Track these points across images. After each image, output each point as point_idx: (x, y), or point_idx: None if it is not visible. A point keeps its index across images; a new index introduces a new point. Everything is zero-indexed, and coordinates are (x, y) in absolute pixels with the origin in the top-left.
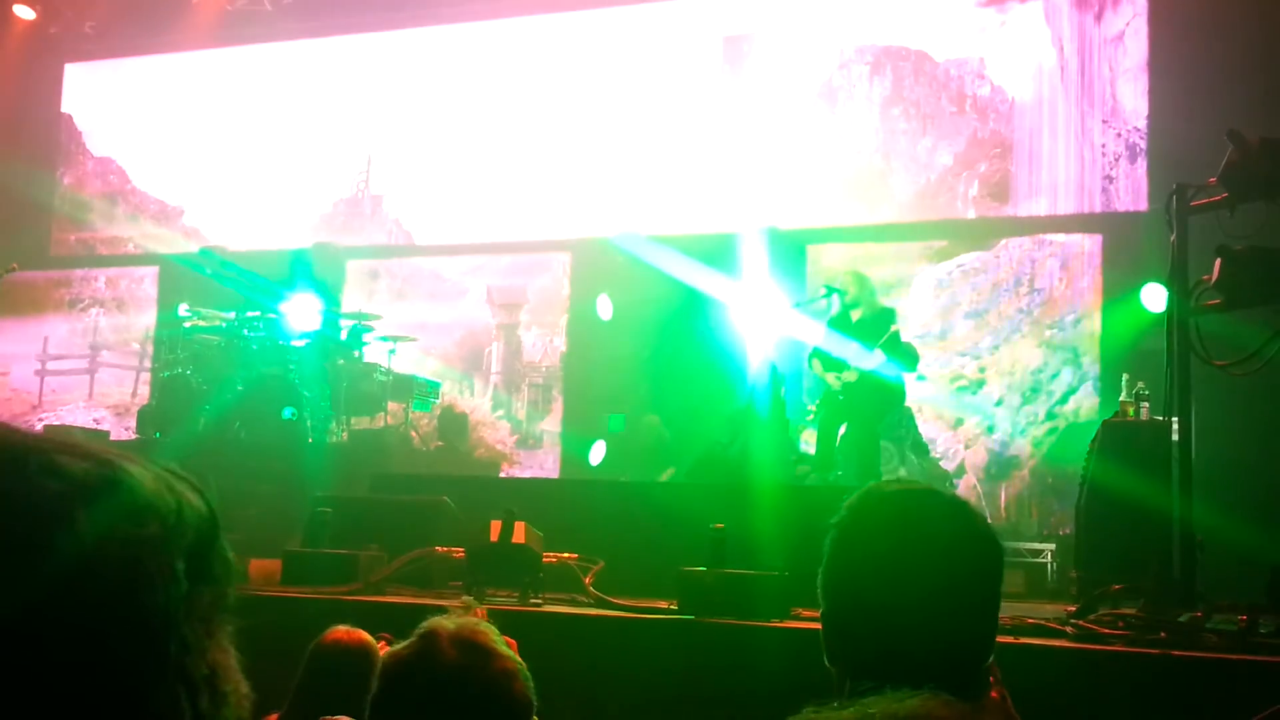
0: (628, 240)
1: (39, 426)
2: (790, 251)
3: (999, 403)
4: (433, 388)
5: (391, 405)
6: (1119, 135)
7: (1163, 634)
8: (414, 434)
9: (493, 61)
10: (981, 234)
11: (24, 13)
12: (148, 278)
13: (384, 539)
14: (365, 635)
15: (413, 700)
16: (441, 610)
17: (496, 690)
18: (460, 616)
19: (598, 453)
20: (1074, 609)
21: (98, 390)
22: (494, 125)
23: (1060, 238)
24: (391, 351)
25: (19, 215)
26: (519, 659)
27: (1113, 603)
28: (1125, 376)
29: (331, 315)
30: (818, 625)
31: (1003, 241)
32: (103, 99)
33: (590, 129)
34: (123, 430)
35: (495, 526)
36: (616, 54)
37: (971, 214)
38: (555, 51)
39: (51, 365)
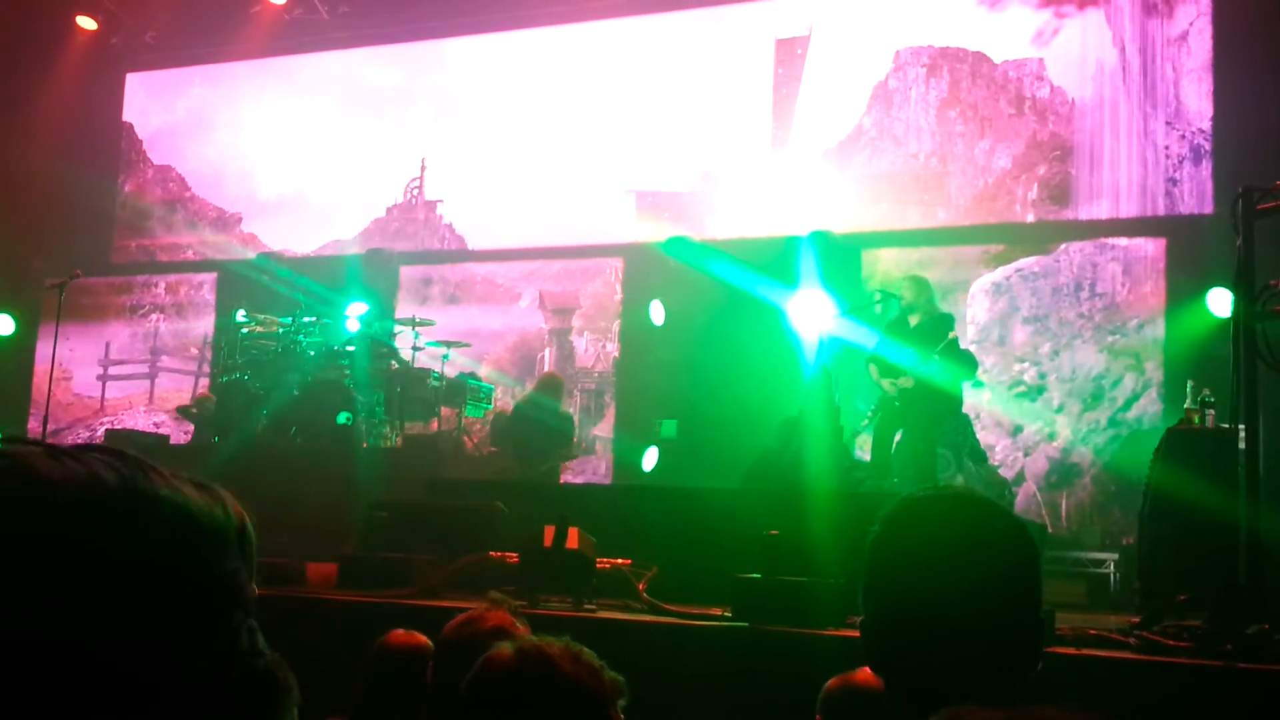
0: (680, 245)
1: (101, 430)
2: (844, 256)
3: (1059, 409)
4: (486, 391)
5: (444, 410)
6: (1183, 137)
7: (1229, 645)
8: (467, 439)
9: (545, 68)
10: (1041, 238)
11: (86, 24)
12: (206, 284)
13: (438, 544)
14: (423, 637)
15: (506, 712)
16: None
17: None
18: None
19: (650, 458)
20: (1138, 620)
21: (158, 395)
22: (547, 131)
23: (1122, 241)
24: (445, 357)
25: (82, 223)
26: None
27: (1178, 614)
28: (1190, 383)
29: (385, 321)
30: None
31: (1063, 245)
32: (162, 108)
33: (643, 134)
34: (182, 434)
35: (549, 532)
36: (669, 59)
37: (1031, 217)
38: (608, 57)
39: (113, 370)
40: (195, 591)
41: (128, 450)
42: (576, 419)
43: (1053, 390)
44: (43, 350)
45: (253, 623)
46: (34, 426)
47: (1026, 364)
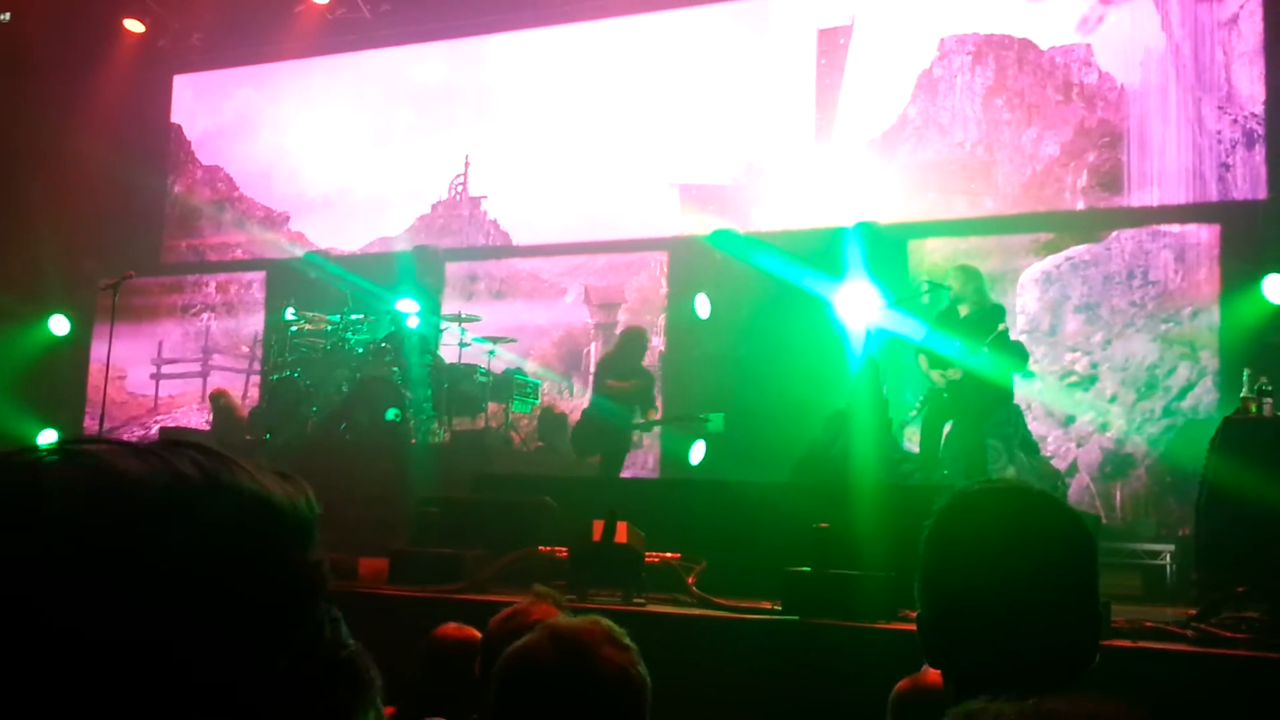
0: (725, 238)
1: (155, 429)
2: (890, 247)
3: (1112, 399)
4: (533, 386)
5: (491, 406)
6: (1235, 121)
7: None
8: (514, 434)
9: (587, 62)
10: (1091, 225)
11: (134, 26)
12: (255, 282)
13: (487, 539)
14: (474, 631)
15: (525, 697)
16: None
17: (601, 692)
18: (576, 619)
19: (698, 452)
20: (1195, 612)
21: (210, 392)
22: (590, 125)
23: (1175, 228)
24: (491, 353)
25: (133, 224)
26: (631, 659)
27: (1235, 605)
28: (1246, 371)
29: (431, 317)
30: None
31: (1114, 233)
32: (209, 109)
33: (686, 127)
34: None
35: (598, 526)
36: (711, 51)
37: (1080, 205)
38: (650, 49)
39: (166, 369)
40: (279, 586)
41: (209, 445)
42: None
43: (1105, 380)
44: (97, 350)
45: (335, 613)
46: (90, 425)
47: (1078, 353)
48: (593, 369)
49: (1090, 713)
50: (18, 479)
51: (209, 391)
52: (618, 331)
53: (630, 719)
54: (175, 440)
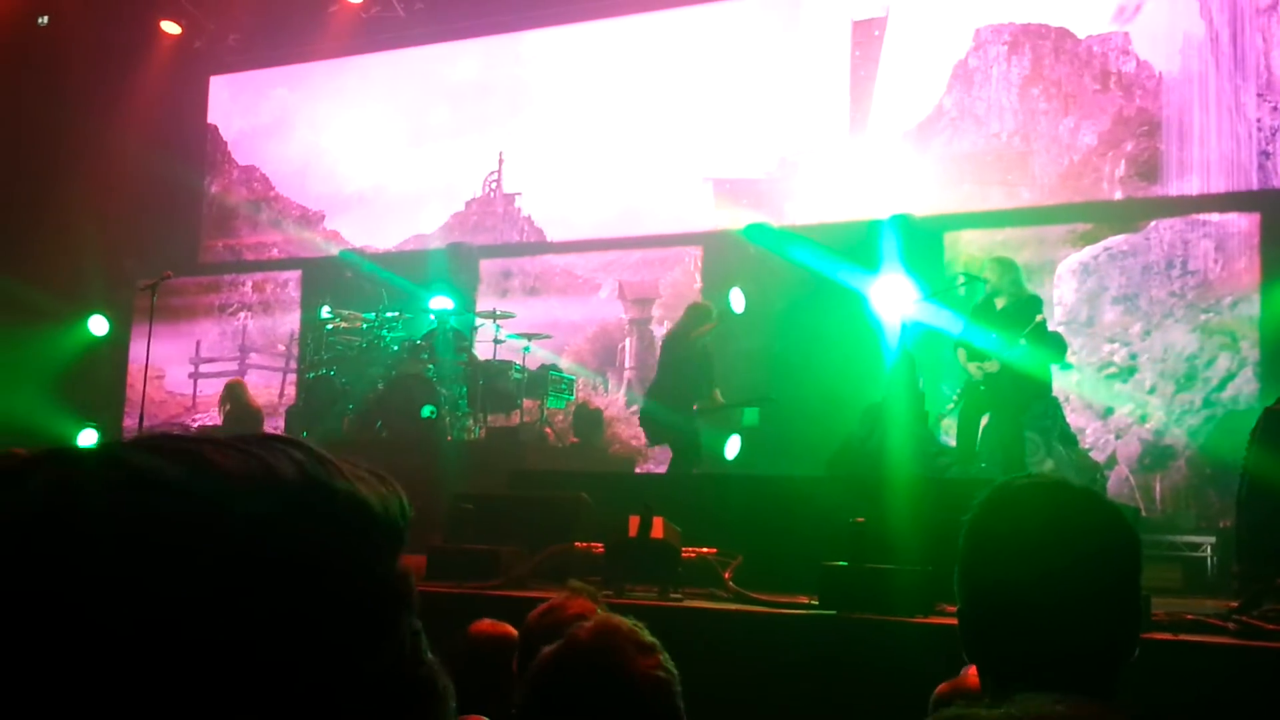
0: (760, 231)
1: (194, 427)
2: (926, 239)
3: (1152, 390)
4: (567, 383)
5: (526, 403)
6: (1275, 109)
7: None
8: (549, 430)
9: (620, 57)
10: (1129, 215)
11: (170, 28)
12: (291, 281)
13: (523, 535)
14: (509, 627)
15: (556, 701)
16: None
17: (633, 698)
18: (601, 620)
19: (733, 447)
20: (1236, 604)
21: (227, 382)
22: (623, 121)
23: (1214, 217)
24: (526, 349)
25: (171, 224)
26: (662, 660)
27: (1277, 597)
28: None
29: (465, 314)
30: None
31: (1152, 223)
32: (245, 109)
33: (719, 121)
34: (271, 430)
35: (633, 522)
36: (744, 45)
37: (1118, 195)
38: (683, 44)
39: (204, 368)
40: (370, 595)
41: (302, 440)
42: None
43: (1144, 371)
44: (135, 350)
45: (417, 625)
46: (129, 424)
47: (1116, 345)
48: (628, 364)
49: (1065, 714)
50: (115, 475)
51: (226, 381)
52: (652, 327)
53: (665, 718)
54: (276, 437)
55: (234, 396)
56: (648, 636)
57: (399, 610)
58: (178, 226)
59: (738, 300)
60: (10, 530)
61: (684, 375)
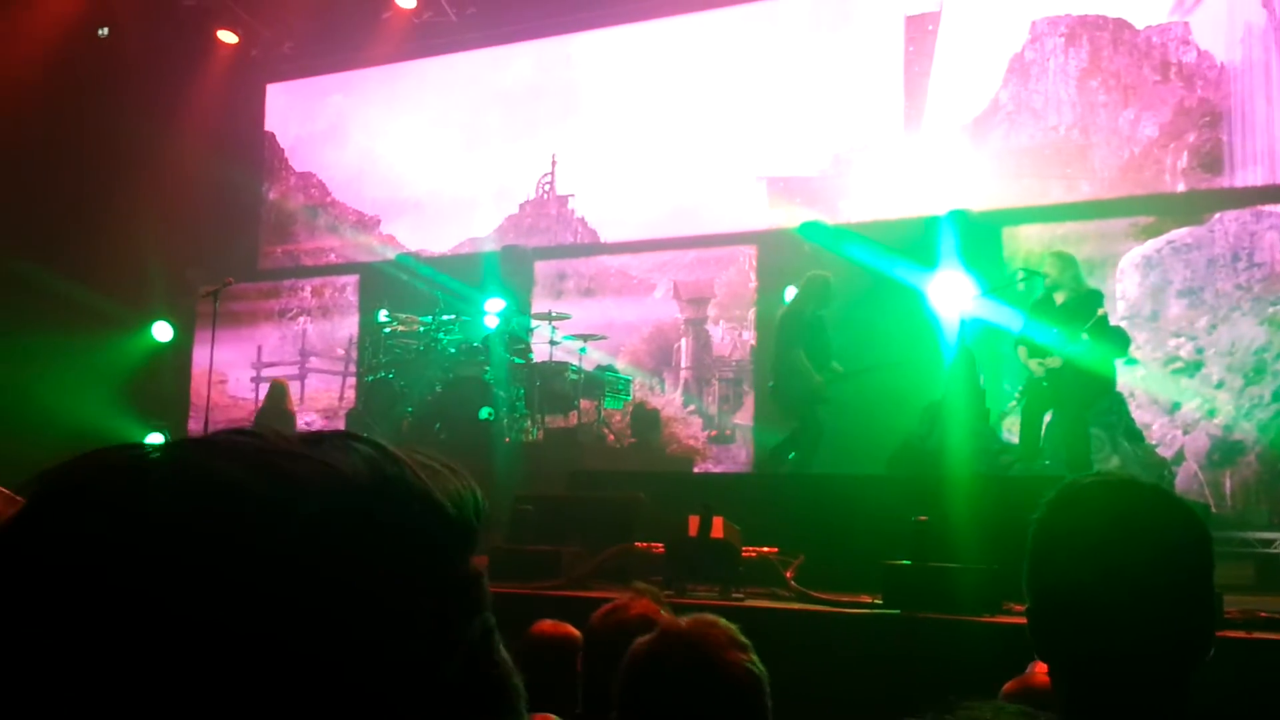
0: (815, 229)
1: None
2: (984, 235)
3: (1219, 385)
4: (624, 384)
5: (584, 404)
6: None
7: None
8: (607, 431)
9: (672, 57)
10: (1193, 207)
11: (227, 37)
12: (349, 286)
13: (584, 535)
14: (570, 627)
15: (651, 694)
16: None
17: (729, 695)
18: (696, 617)
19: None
20: None
21: (308, 395)
22: (675, 120)
23: None
24: (582, 350)
25: (231, 231)
26: (753, 660)
27: None
28: None
29: (522, 317)
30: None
31: (1216, 215)
32: (301, 116)
33: (772, 119)
34: None
35: (693, 522)
36: (796, 42)
37: (1181, 187)
38: (735, 42)
39: (265, 372)
40: (441, 595)
41: (375, 438)
42: (715, 408)
43: (1211, 365)
44: (198, 355)
45: (490, 622)
46: (194, 427)
47: (1182, 339)
48: (684, 364)
49: None
50: (180, 473)
51: (272, 381)
52: (707, 327)
53: (757, 716)
54: (349, 434)
55: (272, 395)
56: (741, 636)
57: (471, 610)
58: (237, 233)
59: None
60: (66, 542)
61: (810, 348)
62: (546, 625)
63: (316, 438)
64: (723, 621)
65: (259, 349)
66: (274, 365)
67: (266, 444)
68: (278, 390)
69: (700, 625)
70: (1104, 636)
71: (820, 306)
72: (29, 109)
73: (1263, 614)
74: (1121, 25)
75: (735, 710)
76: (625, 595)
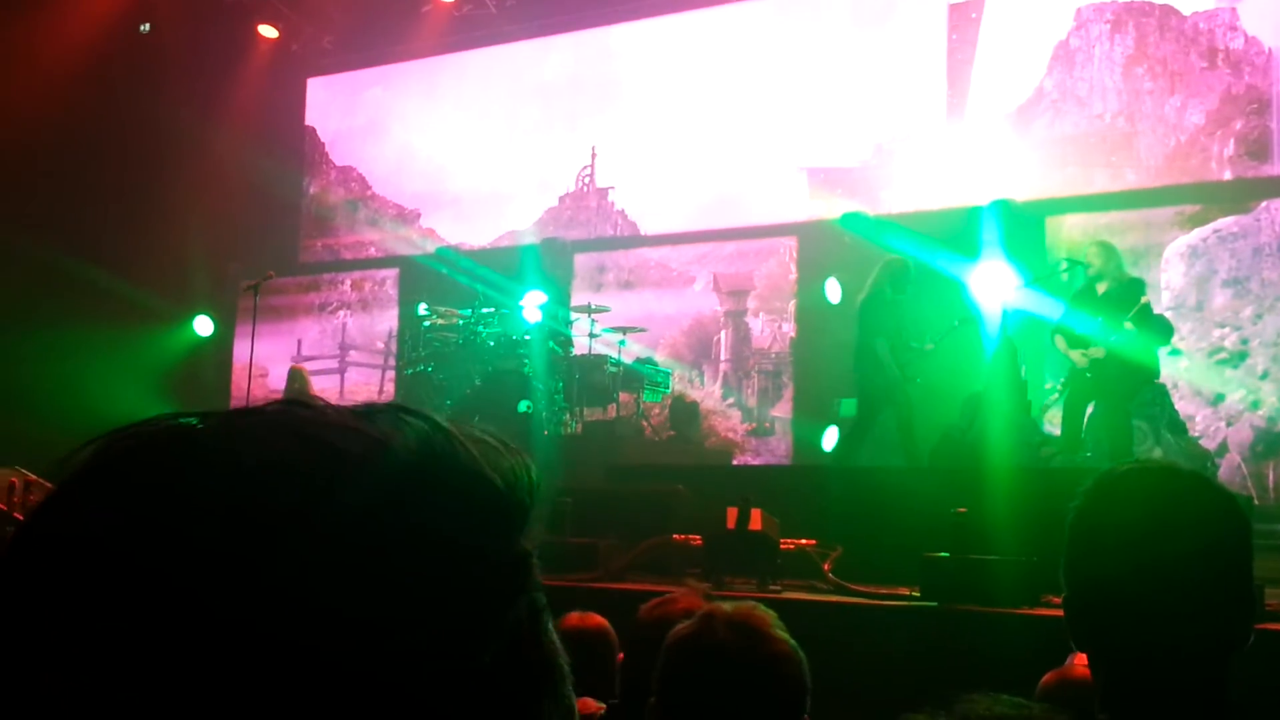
0: (856, 221)
1: None
2: (1028, 224)
3: (1264, 376)
4: (663, 376)
5: (622, 396)
6: None
7: None
8: (645, 424)
9: (711, 48)
10: (1239, 196)
11: (268, 32)
12: (389, 279)
13: (621, 528)
14: (599, 618)
15: (694, 676)
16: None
17: (772, 671)
18: (736, 603)
19: (830, 438)
20: None
21: (347, 388)
22: (715, 112)
23: None
24: (621, 342)
25: (272, 225)
26: (793, 643)
27: None
28: None
29: (561, 309)
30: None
31: (1263, 203)
32: (342, 110)
33: (812, 110)
34: None
35: (732, 514)
36: (837, 32)
37: (1228, 175)
38: (776, 32)
39: (306, 365)
40: (490, 573)
41: (427, 411)
42: (754, 401)
43: (1256, 356)
44: (239, 349)
45: (541, 601)
46: None
47: (1227, 329)
48: (724, 357)
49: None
50: (224, 448)
51: (290, 367)
52: (747, 319)
53: (799, 697)
54: (402, 407)
55: (291, 382)
56: (781, 625)
57: (519, 589)
58: (278, 227)
59: (834, 291)
60: (110, 516)
61: (891, 334)
62: (574, 618)
63: (368, 410)
64: (762, 606)
65: (299, 343)
66: (314, 359)
67: (317, 415)
68: (296, 376)
69: (744, 606)
70: (1142, 626)
71: (898, 291)
72: (72, 105)
73: None
74: (1168, 11)
75: (780, 685)
76: (677, 590)
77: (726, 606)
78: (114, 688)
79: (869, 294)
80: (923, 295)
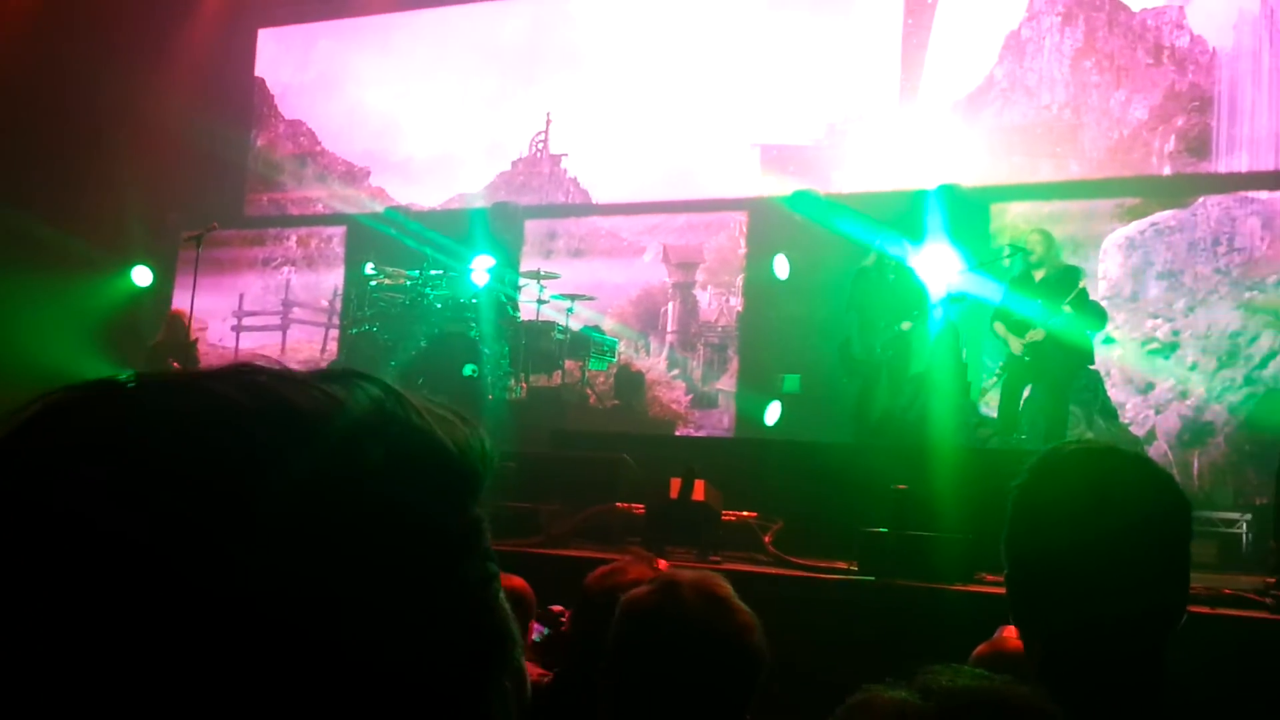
0: (805, 199)
1: None
2: (973, 210)
3: (1193, 367)
4: (610, 345)
5: (568, 364)
6: None
7: None
8: (590, 392)
9: (670, 20)
10: (1178, 191)
11: None
12: (336, 237)
13: (564, 494)
14: (519, 579)
15: (654, 644)
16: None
17: (734, 643)
18: (696, 572)
19: (773, 413)
20: (1272, 580)
21: (289, 346)
22: (671, 84)
23: (1263, 195)
24: (569, 310)
25: (216, 177)
26: (754, 615)
27: None
28: None
29: (509, 274)
30: (1002, 590)
31: (1200, 199)
32: (293, 63)
33: (767, 87)
34: None
35: (675, 484)
36: (794, 10)
37: (1167, 170)
38: (734, 7)
39: (246, 321)
40: (440, 538)
41: (380, 377)
42: (700, 373)
43: (1186, 347)
44: (179, 301)
45: (491, 569)
46: None
47: (1159, 320)
48: (671, 328)
49: (974, 690)
50: (182, 404)
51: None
52: (695, 292)
53: (757, 669)
54: (355, 372)
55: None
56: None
57: (469, 556)
58: (223, 180)
59: (782, 267)
60: (56, 472)
61: (871, 311)
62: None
63: (324, 374)
64: (721, 577)
65: (241, 297)
66: (256, 314)
67: (271, 375)
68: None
69: (706, 575)
70: (1082, 603)
71: (886, 271)
72: (11, 50)
73: (1227, 591)
74: (1118, 6)
75: (741, 657)
76: (624, 559)
77: (686, 574)
78: (70, 651)
79: (864, 267)
80: (902, 277)
